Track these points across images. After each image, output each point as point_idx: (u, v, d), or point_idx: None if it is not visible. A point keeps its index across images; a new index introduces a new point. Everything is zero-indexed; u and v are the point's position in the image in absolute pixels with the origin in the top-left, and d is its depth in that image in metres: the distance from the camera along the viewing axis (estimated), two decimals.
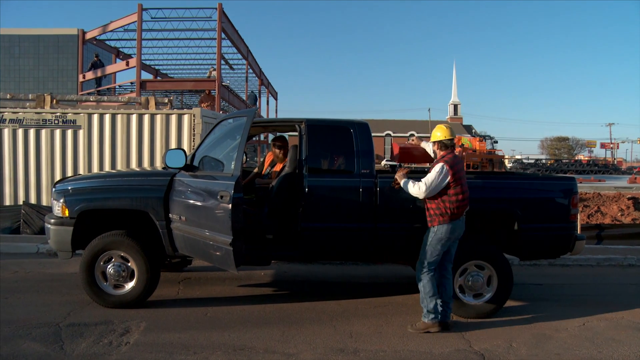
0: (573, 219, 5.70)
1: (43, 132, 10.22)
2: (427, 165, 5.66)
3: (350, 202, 5.42)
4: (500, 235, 5.75)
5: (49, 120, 10.21)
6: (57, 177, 9.79)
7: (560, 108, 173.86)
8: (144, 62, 19.26)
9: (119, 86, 21.72)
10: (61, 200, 5.51)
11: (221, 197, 4.81)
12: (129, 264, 5.42)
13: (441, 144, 5.06)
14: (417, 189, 4.91)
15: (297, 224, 5.43)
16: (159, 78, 22.81)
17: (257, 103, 23.81)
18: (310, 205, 5.38)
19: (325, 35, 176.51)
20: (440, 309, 4.97)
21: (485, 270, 5.41)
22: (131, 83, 19.51)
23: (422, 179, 4.92)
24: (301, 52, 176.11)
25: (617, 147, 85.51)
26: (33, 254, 8.25)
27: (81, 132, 10.23)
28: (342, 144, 5.56)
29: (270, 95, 29.96)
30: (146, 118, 10.20)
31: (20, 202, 10.10)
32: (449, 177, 4.83)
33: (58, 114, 10.27)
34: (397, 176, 5.15)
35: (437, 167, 4.87)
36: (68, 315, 5.21)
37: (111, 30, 18.32)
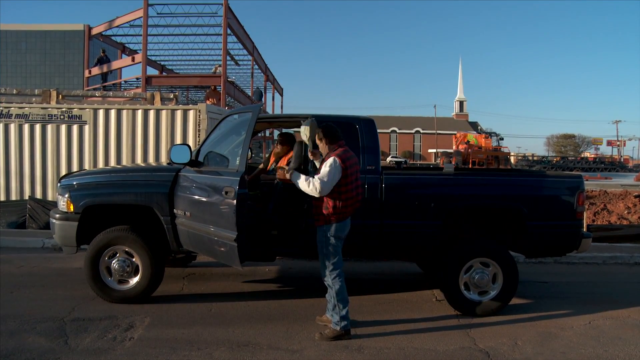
0: (580, 217, 5.66)
1: (49, 127, 10.24)
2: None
3: None
4: (506, 232, 5.72)
5: (54, 115, 10.23)
6: (63, 172, 9.80)
7: (567, 105, 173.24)
8: (149, 57, 19.27)
9: (125, 82, 21.73)
10: (66, 195, 5.52)
11: (226, 192, 4.80)
12: (134, 259, 5.43)
13: (322, 137, 4.65)
14: (311, 187, 4.49)
15: (302, 220, 5.41)
16: (164, 74, 22.79)
17: (263, 99, 23.79)
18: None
19: (332, 32, 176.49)
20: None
21: (491, 267, 5.37)
22: (137, 78, 19.51)
23: (315, 176, 4.54)
24: (307, 49, 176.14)
25: (624, 145, 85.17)
26: (38, 249, 8.30)
27: (87, 128, 10.23)
28: (348, 140, 5.53)
29: (275, 91, 29.94)
30: (152, 113, 10.20)
31: (26, 197, 10.13)
32: (341, 173, 4.49)
33: (64, 109, 10.27)
34: (284, 167, 4.66)
35: (330, 161, 4.49)
36: (73, 310, 5.23)
37: (117, 26, 18.35)
